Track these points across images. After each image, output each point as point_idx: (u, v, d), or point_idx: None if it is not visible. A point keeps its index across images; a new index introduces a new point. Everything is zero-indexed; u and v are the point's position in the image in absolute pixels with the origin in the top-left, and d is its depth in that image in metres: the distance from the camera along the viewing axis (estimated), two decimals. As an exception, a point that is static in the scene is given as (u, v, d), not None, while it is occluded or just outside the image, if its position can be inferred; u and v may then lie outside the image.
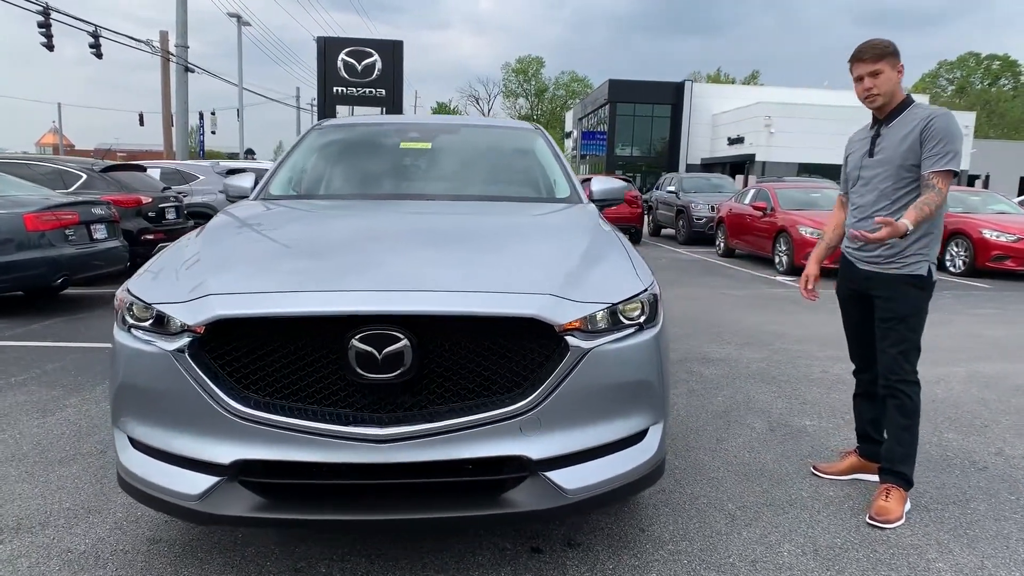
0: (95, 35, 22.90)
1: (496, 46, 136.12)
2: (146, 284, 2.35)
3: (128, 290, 2.34)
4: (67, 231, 7.11)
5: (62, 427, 3.88)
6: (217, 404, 2.09)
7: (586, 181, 4.04)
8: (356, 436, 2.07)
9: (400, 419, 2.10)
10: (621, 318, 2.29)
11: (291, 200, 3.55)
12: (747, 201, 13.48)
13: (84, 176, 9.30)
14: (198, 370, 2.09)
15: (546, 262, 2.47)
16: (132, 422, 2.27)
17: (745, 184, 22.43)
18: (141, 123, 39.50)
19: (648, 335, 2.36)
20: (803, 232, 11.10)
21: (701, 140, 42.64)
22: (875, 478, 3.26)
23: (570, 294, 2.24)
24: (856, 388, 3.34)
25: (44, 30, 21.36)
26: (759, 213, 12.57)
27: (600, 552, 2.61)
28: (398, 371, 2.06)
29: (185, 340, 2.11)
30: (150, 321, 2.21)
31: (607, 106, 44.90)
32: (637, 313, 2.34)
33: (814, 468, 3.39)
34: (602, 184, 3.83)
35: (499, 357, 2.15)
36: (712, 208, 16.10)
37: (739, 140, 38.31)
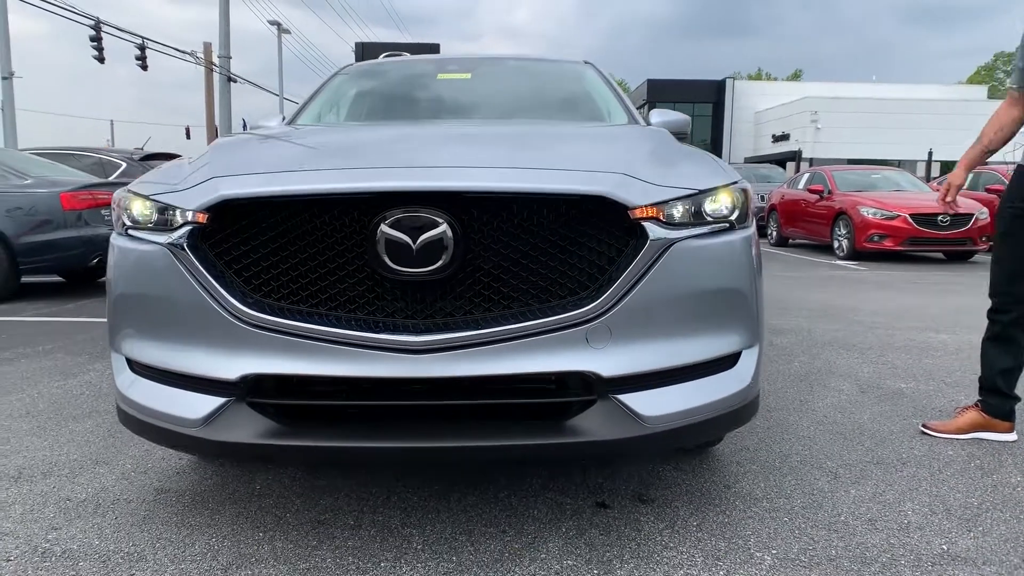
0: (141, 47, 23.30)
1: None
2: (146, 180, 2.02)
3: (127, 189, 2.02)
4: (103, 211, 6.97)
5: (81, 388, 3.61)
6: (222, 308, 1.73)
7: None
8: (385, 344, 1.69)
9: (439, 326, 1.72)
10: (706, 213, 1.87)
11: (319, 123, 3.22)
12: (801, 186, 12.82)
13: (124, 164, 9.23)
14: (200, 267, 1.74)
15: (613, 151, 2.08)
16: (129, 339, 1.94)
17: (797, 171, 21.59)
18: (188, 136, 40.22)
19: (741, 234, 1.93)
20: (865, 213, 10.42)
21: (744, 139, 41.59)
22: (1004, 437, 2.75)
23: (645, 176, 1.83)
24: (989, 330, 2.78)
25: (95, 43, 21.83)
26: (815, 197, 11.90)
27: (679, 508, 2.18)
28: (436, 264, 1.67)
29: (185, 231, 1.76)
30: (151, 222, 1.88)
31: (645, 107, 44.24)
32: (727, 208, 1.91)
33: (924, 427, 2.89)
34: (663, 116, 3.38)
35: (560, 251, 1.75)
36: (762, 198, 15.44)
37: (784, 137, 37.21)
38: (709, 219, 1.87)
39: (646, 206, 1.75)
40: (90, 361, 4.21)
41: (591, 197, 1.71)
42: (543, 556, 1.90)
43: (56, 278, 7.99)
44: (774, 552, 1.91)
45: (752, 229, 2.01)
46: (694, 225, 1.84)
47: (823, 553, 1.91)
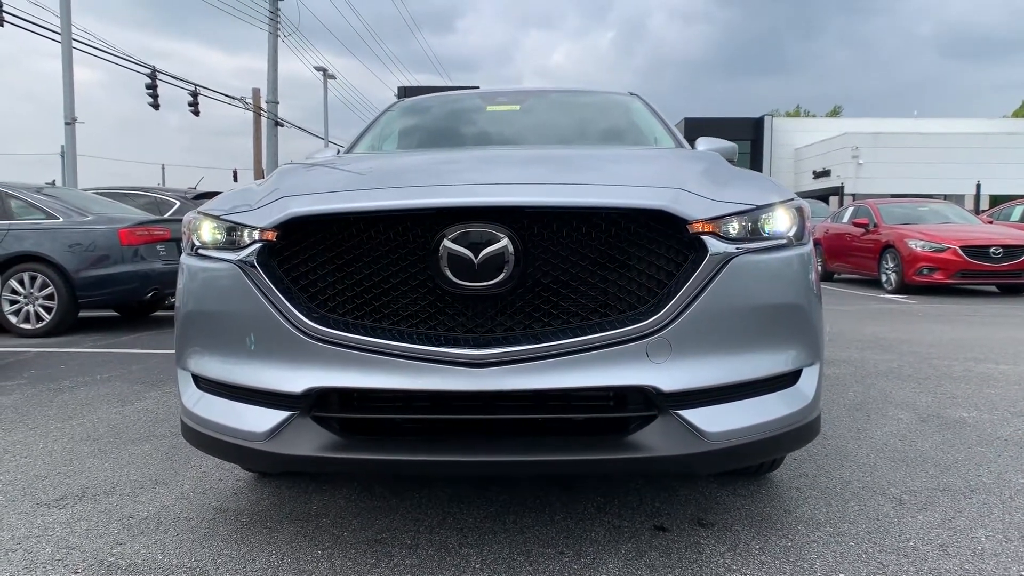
0: (194, 94, 24.27)
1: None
2: (215, 204, 2.11)
3: (197, 211, 2.10)
4: (159, 247, 7.23)
5: (139, 414, 3.71)
6: (289, 323, 1.78)
7: None
8: (447, 358, 1.72)
9: (500, 339, 1.73)
10: (764, 229, 1.87)
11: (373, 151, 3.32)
12: (846, 219, 12.62)
13: (177, 203, 9.60)
14: (269, 283, 1.80)
15: (668, 168, 2.10)
16: (196, 356, 2.00)
17: (840, 205, 21.30)
18: (235, 179, 41.58)
19: (799, 250, 1.92)
20: (913, 246, 10.20)
21: (784, 176, 41.21)
22: None
23: (702, 192, 1.85)
24: None
25: (151, 91, 22.82)
26: (860, 230, 11.71)
27: (740, 532, 2.13)
28: (498, 279, 1.70)
29: (255, 248, 1.83)
30: (220, 242, 1.95)
31: (684, 145, 44.16)
32: (784, 224, 1.91)
33: None
34: (710, 144, 3.40)
35: (619, 266, 1.76)
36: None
37: (825, 173, 36.79)
38: (767, 235, 1.87)
39: (704, 220, 1.76)
40: (146, 389, 4.32)
41: (649, 211, 1.73)
42: (603, 577, 1.87)
43: (112, 313, 8.27)
44: (843, 576, 1.86)
45: (810, 246, 2.00)
46: (752, 240, 1.84)
47: (895, 578, 1.84)
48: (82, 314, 7.13)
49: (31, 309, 6.71)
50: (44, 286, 6.68)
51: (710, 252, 1.74)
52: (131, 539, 2.15)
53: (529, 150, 2.77)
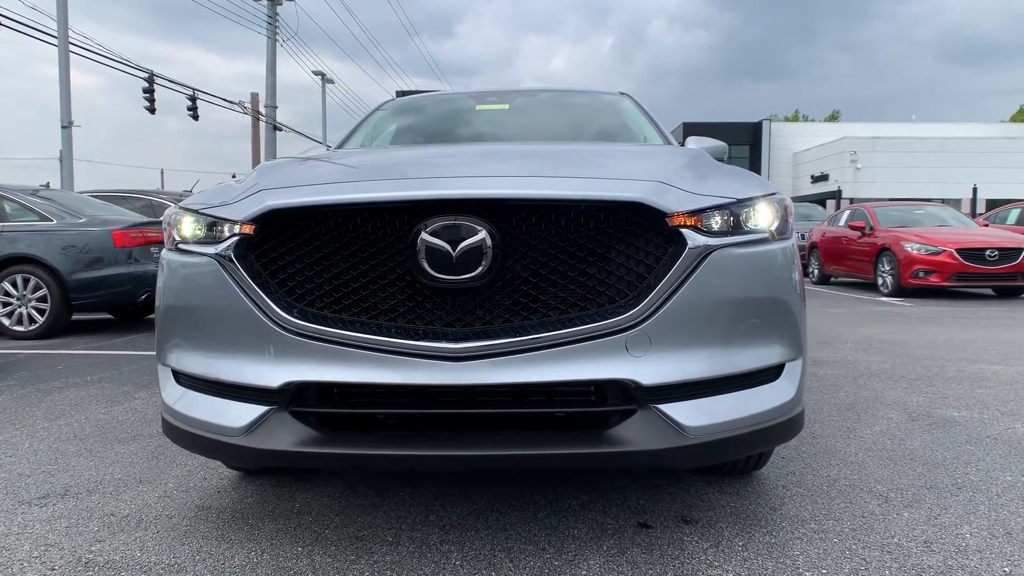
0: (192, 98, 24.25)
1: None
2: (195, 199, 2.10)
3: (177, 207, 2.09)
4: (152, 249, 7.20)
5: (127, 415, 3.69)
6: (266, 317, 1.77)
7: None
8: (426, 352, 1.70)
9: (479, 333, 1.72)
10: (745, 223, 1.86)
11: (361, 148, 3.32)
12: (842, 223, 12.63)
13: (173, 206, 9.60)
14: (246, 276, 1.79)
15: (650, 163, 2.09)
16: (175, 351, 1.99)
17: (838, 208, 21.34)
18: (233, 182, 41.57)
19: (781, 245, 1.91)
20: (909, 248, 10.20)
21: (782, 180, 41.26)
22: None
23: (682, 185, 1.84)
24: None
25: (148, 95, 22.80)
26: (857, 233, 11.71)
27: (724, 529, 2.12)
28: (476, 272, 1.69)
29: (232, 241, 1.82)
30: (199, 236, 1.94)
31: (682, 149, 44.16)
32: (766, 219, 1.90)
33: None
34: (700, 143, 3.39)
35: (598, 259, 1.75)
36: (802, 236, 15.24)
37: (823, 177, 36.84)
38: (748, 229, 1.86)
39: (683, 213, 1.75)
40: (135, 390, 4.30)
41: (628, 204, 1.72)
42: (584, 573, 1.85)
43: (106, 315, 8.25)
44: (824, 572, 1.84)
45: (792, 241, 1.99)
46: (733, 234, 1.83)
47: (876, 573, 1.83)
48: (76, 317, 7.11)
49: (24, 311, 6.69)
50: (37, 288, 6.66)
51: (689, 245, 1.73)
52: (111, 536, 2.14)
53: (511, 146, 2.77)
